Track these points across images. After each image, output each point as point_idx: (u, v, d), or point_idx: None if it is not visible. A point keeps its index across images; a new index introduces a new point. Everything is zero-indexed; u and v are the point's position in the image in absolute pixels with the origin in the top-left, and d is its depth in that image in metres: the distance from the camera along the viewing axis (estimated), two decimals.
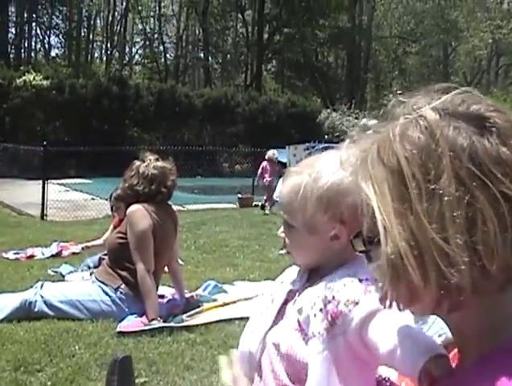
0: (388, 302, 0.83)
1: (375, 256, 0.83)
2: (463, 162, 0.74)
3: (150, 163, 4.84)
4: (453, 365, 0.96)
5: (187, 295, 5.16)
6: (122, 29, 46.44)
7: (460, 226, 0.73)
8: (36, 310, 4.62)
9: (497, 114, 0.78)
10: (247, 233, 9.77)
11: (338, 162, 1.35)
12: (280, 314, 1.42)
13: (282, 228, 1.50)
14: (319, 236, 1.37)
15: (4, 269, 6.41)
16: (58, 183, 14.88)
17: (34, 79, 24.46)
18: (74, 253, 7.48)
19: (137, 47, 51.09)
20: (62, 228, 10.14)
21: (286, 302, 1.43)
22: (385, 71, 48.46)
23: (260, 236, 9.40)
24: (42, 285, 4.81)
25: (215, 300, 5.26)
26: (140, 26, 48.78)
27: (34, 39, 45.67)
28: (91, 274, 5.51)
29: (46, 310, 4.64)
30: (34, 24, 44.48)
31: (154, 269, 4.67)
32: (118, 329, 4.37)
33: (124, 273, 4.74)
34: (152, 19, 48.44)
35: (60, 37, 47.62)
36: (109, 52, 47.03)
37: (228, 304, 5.16)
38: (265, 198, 13.02)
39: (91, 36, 48.39)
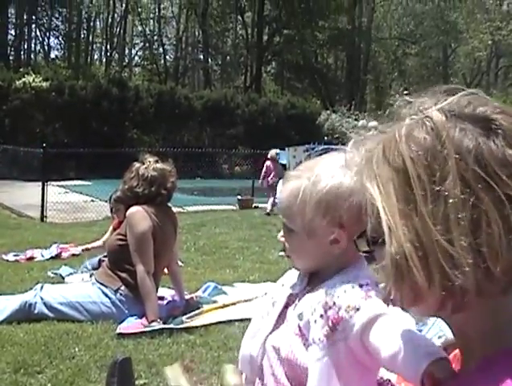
0: (391, 302, 0.83)
1: (379, 257, 0.83)
2: (468, 164, 0.74)
3: (149, 165, 4.84)
4: (454, 367, 0.96)
5: (187, 297, 5.16)
6: (122, 31, 46.46)
7: (465, 228, 0.73)
8: (36, 311, 4.61)
9: (503, 116, 0.78)
10: (247, 235, 9.76)
11: (337, 165, 1.35)
12: (281, 317, 1.42)
13: (282, 232, 1.50)
14: (318, 240, 1.37)
15: (4, 271, 6.40)
16: (58, 185, 14.90)
17: (33, 80, 24.48)
18: (74, 255, 7.48)
19: (136, 48, 51.18)
20: (62, 230, 10.14)
21: (286, 306, 1.43)
22: (384, 72, 48.45)
23: (260, 238, 9.40)
24: (42, 287, 4.81)
25: (215, 301, 5.25)
26: (140, 28, 48.81)
27: (33, 40, 45.75)
28: (91, 276, 5.51)
29: (46, 311, 4.63)
30: (33, 26, 44.52)
31: (154, 271, 4.67)
32: (118, 330, 4.36)
33: (124, 275, 4.74)
34: (152, 21, 48.50)
35: (60, 39, 47.72)
36: (108, 54, 47.06)
37: (228, 305, 5.15)
38: (271, 201, 12.75)
39: (91, 38, 48.41)
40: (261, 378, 1.41)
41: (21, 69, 28.50)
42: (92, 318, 4.61)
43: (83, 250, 7.52)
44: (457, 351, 0.97)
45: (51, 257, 7.37)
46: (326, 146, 10.58)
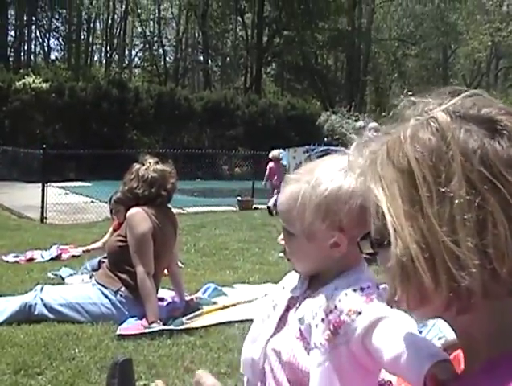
0: (396, 304, 0.83)
1: (383, 259, 0.82)
2: (474, 165, 0.74)
3: (149, 166, 4.84)
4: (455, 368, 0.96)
5: (187, 298, 5.15)
6: (122, 32, 46.46)
7: (471, 229, 0.73)
8: (36, 313, 4.62)
9: (507, 117, 0.78)
10: (247, 236, 9.76)
11: (337, 168, 1.35)
12: (282, 321, 1.41)
13: (282, 235, 1.50)
14: (318, 243, 1.36)
15: (4, 272, 6.41)
16: (57, 186, 14.90)
17: (33, 82, 24.46)
18: (74, 256, 7.48)
19: (136, 49, 51.18)
20: (62, 231, 10.14)
21: (287, 309, 1.42)
22: (384, 73, 48.44)
23: (260, 239, 9.39)
24: (42, 288, 4.81)
25: (215, 303, 5.25)
26: (140, 29, 48.78)
27: (33, 41, 45.74)
28: (91, 277, 5.51)
29: (46, 313, 4.63)
30: (33, 27, 44.52)
31: (154, 272, 4.67)
32: (118, 332, 4.36)
33: (124, 276, 4.74)
34: (152, 22, 48.47)
35: (60, 40, 47.75)
36: (108, 55, 47.04)
37: (228, 307, 5.15)
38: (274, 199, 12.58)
39: (90, 39, 48.41)
40: (263, 381, 1.41)
41: (21, 70, 28.51)
42: (93, 319, 4.61)
43: (83, 251, 7.53)
44: (457, 352, 0.97)
45: (51, 258, 7.37)
46: (326, 147, 10.59)
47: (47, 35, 46.15)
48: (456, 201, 0.73)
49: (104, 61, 48.40)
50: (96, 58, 51.73)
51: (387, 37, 47.25)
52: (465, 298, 0.74)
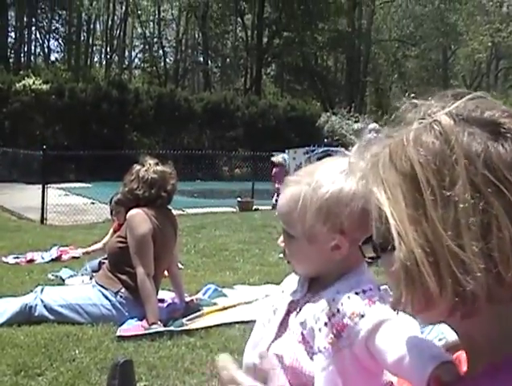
0: (401, 308, 0.82)
1: (386, 262, 0.82)
2: (478, 169, 0.73)
3: (149, 167, 4.84)
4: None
5: (187, 299, 5.15)
6: (122, 33, 46.44)
7: (476, 233, 0.72)
8: (36, 314, 4.62)
9: (511, 120, 0.77)
10: (247, 237, 9.75)
11: (338, 170, 1.34)
12: (283, 325, 1.40)
13: (282, 237, 1.49)
14: (319, 246, 1.35)
15: (4, 274, 6.41)
16: (58, 187, 14.90)
17: (33, 83, 24.46)
18: (74, 257, 7.49)
19: (136, 51, 51.18)
20: (62, 232, 10.14)
21: (288, 313, 1.41)
22: (384, 74, 48.42)
23: (260, 240, 9.39)
24: (42, 290, 4.81)
25: (215, 304, 5.25)
26: (140, 31, 48.77)
27: (33, 43, 45.72)
28: (91, 278, 5.51)
29: (46, 314, 4.64)
30: (33, 28, 44.50)
31: (154, 273, 4.67)
32: (118, 333, 4.36)
33: (124, 277, 4.74)
34: (152, 23, 48.44)
35: (60, 41, 47.74)
36: (108, 56, 47.00)
37: (228, 308, 5.16)
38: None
39: (90, 40, 48.35)
40: None
41: (21, 72, 28.57)
42: (93, 320, 4.62)
43: (83, 254, 7.53)
44: (459, 353, 0.97)
45: (52, 260, 7.38)
46: (326, 148, 10.59)
47: (47, 36, 46.20)
48: (461, 205, 0.73)
49: (104, 62, 48.40)
50: (96, 59, 51.78)
51: (387, 38, 47.24)
52: (470, 302, 0.74)
